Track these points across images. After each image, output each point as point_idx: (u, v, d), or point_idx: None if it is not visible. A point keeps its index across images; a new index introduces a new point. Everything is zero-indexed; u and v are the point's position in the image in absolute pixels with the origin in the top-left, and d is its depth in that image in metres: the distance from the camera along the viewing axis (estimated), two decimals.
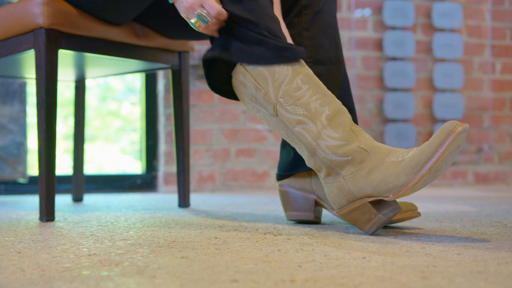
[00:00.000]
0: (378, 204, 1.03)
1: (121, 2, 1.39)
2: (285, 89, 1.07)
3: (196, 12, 1.11)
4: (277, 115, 1.09)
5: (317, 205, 1.21)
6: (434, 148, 0.94)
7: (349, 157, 1.03)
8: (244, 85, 1.12)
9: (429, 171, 0.94)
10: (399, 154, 0.99)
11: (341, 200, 1.05)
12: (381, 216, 1.03)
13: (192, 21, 1.13)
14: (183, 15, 1.14)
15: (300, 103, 1.06)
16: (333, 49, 1.26)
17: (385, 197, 1.00)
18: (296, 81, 1.07)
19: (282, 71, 1.07)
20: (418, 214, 1.15)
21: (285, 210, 1.25)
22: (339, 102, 1.08)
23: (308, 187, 1.22)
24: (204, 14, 1.10)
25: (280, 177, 1.26)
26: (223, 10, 1.10)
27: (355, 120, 1.26)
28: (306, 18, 1.25)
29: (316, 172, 1.10)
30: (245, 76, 1.11)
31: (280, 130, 1.11)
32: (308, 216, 1.19)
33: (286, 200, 1.24)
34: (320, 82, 1.09)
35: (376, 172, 1.00)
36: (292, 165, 1.24)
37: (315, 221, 1.21)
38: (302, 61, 1.10)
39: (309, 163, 1.09)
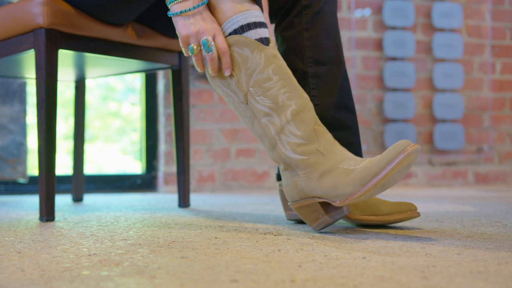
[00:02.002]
0: (327, 205, 1.08)
1: (120, 4, 1.39)
2: (256, 78, 1.07)
3: (205, 38, 1.07)
4: (247, 103, 1.10)
5: None
6: (383, 165, 0.96)
7: (305, 157, 1.05)
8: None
9: (375, 186, 0.97)
10: (352, 163, 1.02)
11: (294, 195, 1.09)
12: (328, 217, 1.08)
13: (193, 46, 1.09)
14: (183, 33, 1.09)
15: (269, 95, 1.07)
16: (334, 49, 1.26)
17: (333, 201, 1.04)
18: (267, 71, 1.07)
19: (255, 59, 1.07)
20: (418, 214, 1.15)
21: (285, 209, 1.26)
22: (307, 98, 1.09)
23: None
24: (212, 44, 1.07)
25: (280, 177, 1.26)
26: (228, 52, 1.08)
27: (354, 118, 1.26)
28: (306, 18, 1.25)
29: (277, 163, 1.12)
30: None
31: (246, 119, 1.12)
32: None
33: (286, 199, 1.24)
34: (292, 75, 1.10)
35: (328, 177, 1.03)
36: None
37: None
38: (276, 52, 1.09)
39: (269, 155, 1.12)
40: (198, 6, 1.08)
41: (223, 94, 1.14)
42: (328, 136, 1.08)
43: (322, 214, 1.08)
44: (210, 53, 1.07)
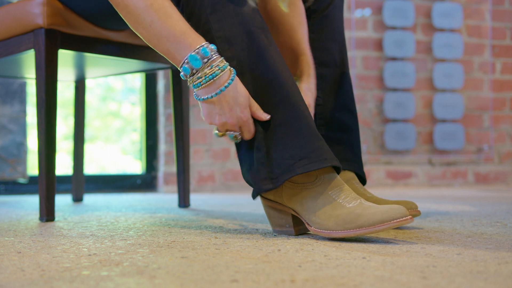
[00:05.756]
0: (297, 218, 1.04)
1: (120, 19, 1.38)
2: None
3: (230, 133, 1.01)
4: None
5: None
6: (372, 222, 0.93)
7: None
8: None
9: (356, 235, 0.95)
10: (342, 195, 0.99)
11: (270, 194, 1.05)
12: (293, 230, 1.04)
13: (217, 133, 1.02)
14: (207, 121, 1.02)
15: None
16: (338, 53, 1.27)
17: (307, 224, 1.01)
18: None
19: None
20: (418, 213, 1.15)
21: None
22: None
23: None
24: (238, 137, 1.01)
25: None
26: (254, 134, 1.02)
27: (355, 120, 1.26)
28: (313, 21, 1.26)
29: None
30: None
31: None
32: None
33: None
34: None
35: (312, 199, 0.99)
36: None
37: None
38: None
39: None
40: (221, 91, 0.98)
41: None
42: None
43: (289, 225, 1.04)
44: (236, 141, 1.03)
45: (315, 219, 0.99)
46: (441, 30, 2.95)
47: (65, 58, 1.49)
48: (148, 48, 1.55)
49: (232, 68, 0.99)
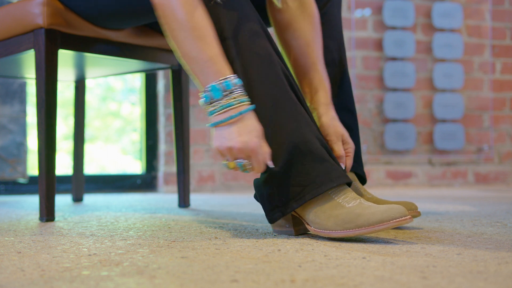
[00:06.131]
0: (297, 218, 1.04)
1: (121, 18, 1.38)
2: None
3: (238, 161, 0.98)
4: None
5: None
6: (371, 221, 0.93)
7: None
8: None
9: (355, 235, 0.95)
10: (342, 195, 0.99)
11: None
12: (293, 230, 1.04)
13: (227, 163, 1.00)
14: (218, 151, 0.99)
15: None
16: (337, 51, 1.26)
17: (307, 223, 1.01)
18: None
19: None
20: (418, 214, 1.15)
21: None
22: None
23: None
24: (247, 166, 0.98)
25: None
26: (264, 168, 0.99)
27: (355, 120, 1.26)
28: None
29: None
30: None
31: None
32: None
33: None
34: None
35: (313, 200, 1.00)
36: None
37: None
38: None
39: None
40: (232, 117, 0.96)
41: None
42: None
43: (289, 225, 1.05)
44: (247, 172, 1.00)
45: (315, 219, 0.99)
46: (441, 30, 2.95)
47: (65, 58, 1.49)
48: (148, 48, 1.55)
49: (250, 103, 0.98)
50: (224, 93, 0.95)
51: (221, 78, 0.96)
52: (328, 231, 0.97)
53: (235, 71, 1.00)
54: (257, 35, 1.02)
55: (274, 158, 1.00)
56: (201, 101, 0.98)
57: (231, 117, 0.96)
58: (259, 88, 1.00)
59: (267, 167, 1.00)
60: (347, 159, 1.13)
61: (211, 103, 0.97)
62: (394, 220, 0.92)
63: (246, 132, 0.96)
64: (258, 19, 1.03)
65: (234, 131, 0.96)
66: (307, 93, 1.17)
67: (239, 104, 0.96)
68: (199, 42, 0.97)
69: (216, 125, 0.97)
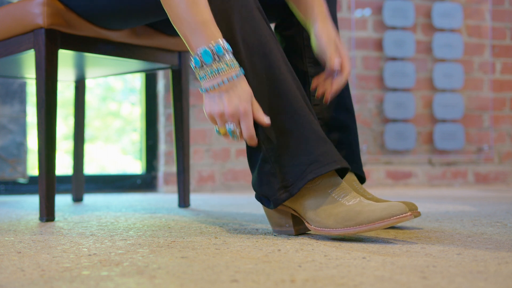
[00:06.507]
0: (297, 217, 1.05)
1: (122, 17, 1.38)
2: None
3: (229, 127, 0.99)
4: None
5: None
6: (372, 219, 0.93)
7: None
8: None
9: (355, 232, 0.95)
10: (342, 193, 0.99)
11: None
12: (293, 230, 1.05)
13: (218, 129, 1.01)
14: (209, 117, 1.01)
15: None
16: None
17: (307, 222, 1.01)
18: None
19: None
20: (418, 214, 1.15)
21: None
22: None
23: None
24: (237, 133, 0.99)
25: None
26: (255, 138, 1.00)
27: (353, 119, 1.26)
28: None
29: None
30: None
31: None
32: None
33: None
34: None
35: (313, 196, 1.00)
36: None
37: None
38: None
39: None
40: (223, 82, 0.97)
41: None
42: None
43: (289, 224, 1.05)
44: (236, 140, 1.01)
45: (315, 217, 0.99)
46: (441, 30, 2.95)
47: (65, 58, 1.49)
48: (148, 48, 1.55)
49: (240, 67, 0.99)
50: (215, 58, 0.97)
51: (213, 42, 0.97)
52: (328, 229, 0.97)
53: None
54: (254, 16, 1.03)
55: (273, 135, 1.01)
56: (191, 63, 1.00)
57: (222, 83, 0.97)
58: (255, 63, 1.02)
59: (260, 143, 1.01)
60: (344, 64, 1.13)
61: (201, 67, 0.98)
62: (394, 217, 0.92)
63: (236, 97, 0.98)
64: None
65: (224, 96, 0.98)
66: (303, 13, 1.18)
67: (229, 69, 0.97)
68: (192, 7, 0.99)
69: (207, 90, 0.99)
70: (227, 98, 0.97)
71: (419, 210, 1.32)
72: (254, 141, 1.01)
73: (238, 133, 1.00)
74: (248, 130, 0.99)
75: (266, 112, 1.01)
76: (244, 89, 0.98)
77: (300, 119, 1.01)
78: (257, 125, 1.01)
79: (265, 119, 1.00)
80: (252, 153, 1.05)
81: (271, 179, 1.02)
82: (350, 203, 0.98)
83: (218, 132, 1.02)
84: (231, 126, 0.99)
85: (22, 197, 2.33)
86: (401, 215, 0.93)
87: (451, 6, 2.94)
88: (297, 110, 1.01)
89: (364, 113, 2.85)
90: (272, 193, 1.02)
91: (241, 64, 1.01)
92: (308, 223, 1.01)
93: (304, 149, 1.00)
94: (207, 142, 2.66)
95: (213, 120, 1.01)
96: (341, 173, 1.06)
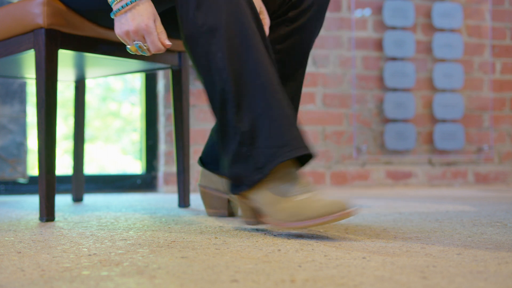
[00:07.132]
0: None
1: None
2: None
3: (135, 43, 1.12)
4: None
5: (230, 202, 1.35)
6: (319, 213, 0.97)
7: None
8: None
9: (303, 227, 0.99)
10: (293, 188, 1.02)
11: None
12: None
13: (129, 47, 1.14)
14: (119, 37, 1.14)
15: None
16: (299, 70, 1.30)
17: (260, 215, 1.07)
18: None
19: None
20: (352, 213, 1.17)
21: (205, 207, 1.40)
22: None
23: (221, 187, 1.34)
24: (144, 48, 1.12)
25: (203, 162, 1.39)
26: (162, 47, 1.12)
27: (295, 117, 1.28)
28: (284, 31, 1.26)
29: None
30: None
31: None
32: (223, 213, 1.37)
33: (205, 199, 1.40)
34: None
35: (266, 189, 1.04)
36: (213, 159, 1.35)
37: (231, 215, 1.37)
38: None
39: None
40: (127, 4, 1.10)
41: None
42: None
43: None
44: (146, 54, 1.13)
45: (268, 210, 1.03)
46: (441, 30, 2.95)
47: (65, 58, 1.49)
48: None
49: None
50: None
51: None
52: (278, 224, 1.02)
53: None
54: None
55: (250, 118, 1.04)
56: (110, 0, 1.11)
57: (126, 5, 1.10)
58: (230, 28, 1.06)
59: (239, 126, 1.04)
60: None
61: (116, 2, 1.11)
62: (340, 213, 0.97)
63: (139, 15, 1.10)
64: None
65: (129, 16, 1.11)
66: None
67: None
68: None
69: (115, 14, 1.12)
70: (131, 17, 1.10)
71: (418, 210, 1.32)
72: (162, 50, 1.12)
73: (145, 48, 1.12)
74: (154, 44, 1.11)
75: (243, 89, 1.04)
76: (146, 8, 1.10)
77: (275, 102, 1.04)
78: (241, 107, 1.04)
79: (166, 42, 1.11)
80: (227, 135, 1.08)
81: (247, 160, 1.06)
82: (296, 198, 1.01)
83: (130, 50, 1.14)
84: (138, 42, 1.11)
85: (22, 197, 2.33)
86: (345, 212, 0.97)
87: (451, 6, 2.94)
88: (272, 93, 1.05)
89: (364, 113, 2.85)
90: (247, 173, 1.06)
91: (219, 52, 1.05)
92: (260, 215, 1.06)
93: (277, 133, 1.04)
94: None
95: (123, 40, 1.13)
96: (305, 159, 1.09)
